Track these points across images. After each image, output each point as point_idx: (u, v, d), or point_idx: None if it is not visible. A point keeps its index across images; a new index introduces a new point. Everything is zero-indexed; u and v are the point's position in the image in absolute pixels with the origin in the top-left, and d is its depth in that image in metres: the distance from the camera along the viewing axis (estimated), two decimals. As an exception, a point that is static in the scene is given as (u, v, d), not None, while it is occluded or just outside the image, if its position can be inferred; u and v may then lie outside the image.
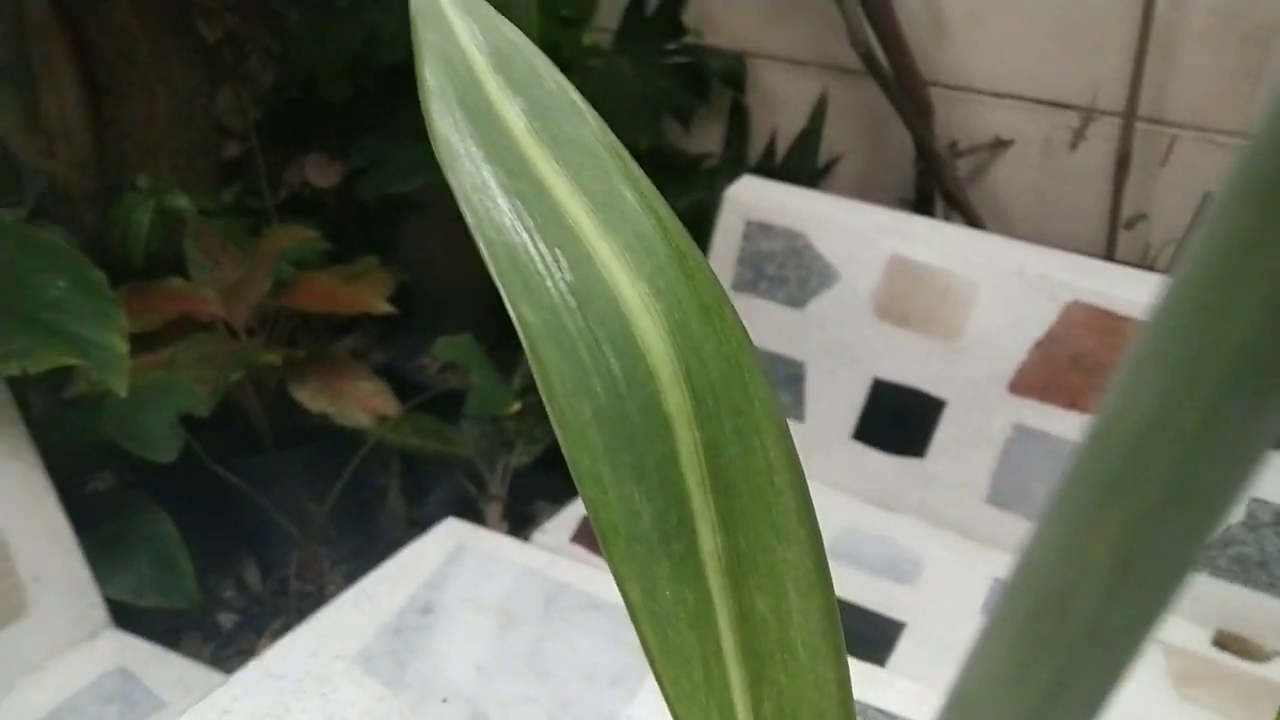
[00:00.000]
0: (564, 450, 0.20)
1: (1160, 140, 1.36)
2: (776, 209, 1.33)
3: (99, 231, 1.70)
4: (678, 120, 1.63)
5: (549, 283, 0.21)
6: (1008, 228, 1.51)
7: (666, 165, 1.60)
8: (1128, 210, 1.38)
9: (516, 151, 0.23)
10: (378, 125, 1.73)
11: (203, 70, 1.74)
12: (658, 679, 0.20)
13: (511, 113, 0.24)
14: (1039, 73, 1.43)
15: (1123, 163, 1.35)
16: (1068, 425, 1.19)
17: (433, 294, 2.07)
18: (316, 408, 1.40)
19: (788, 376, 1.36)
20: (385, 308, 1.42)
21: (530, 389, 1.42)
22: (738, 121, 1.63)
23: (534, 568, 0.79)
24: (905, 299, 1.27)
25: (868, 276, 1.28)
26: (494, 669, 0.66)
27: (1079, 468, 0.12)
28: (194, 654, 1.17)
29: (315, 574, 1.50)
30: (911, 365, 1.26)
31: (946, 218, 1.47)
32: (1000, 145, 1.47)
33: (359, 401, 1.42)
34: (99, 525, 1.14)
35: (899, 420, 1.27)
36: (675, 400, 0.22)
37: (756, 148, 1.65)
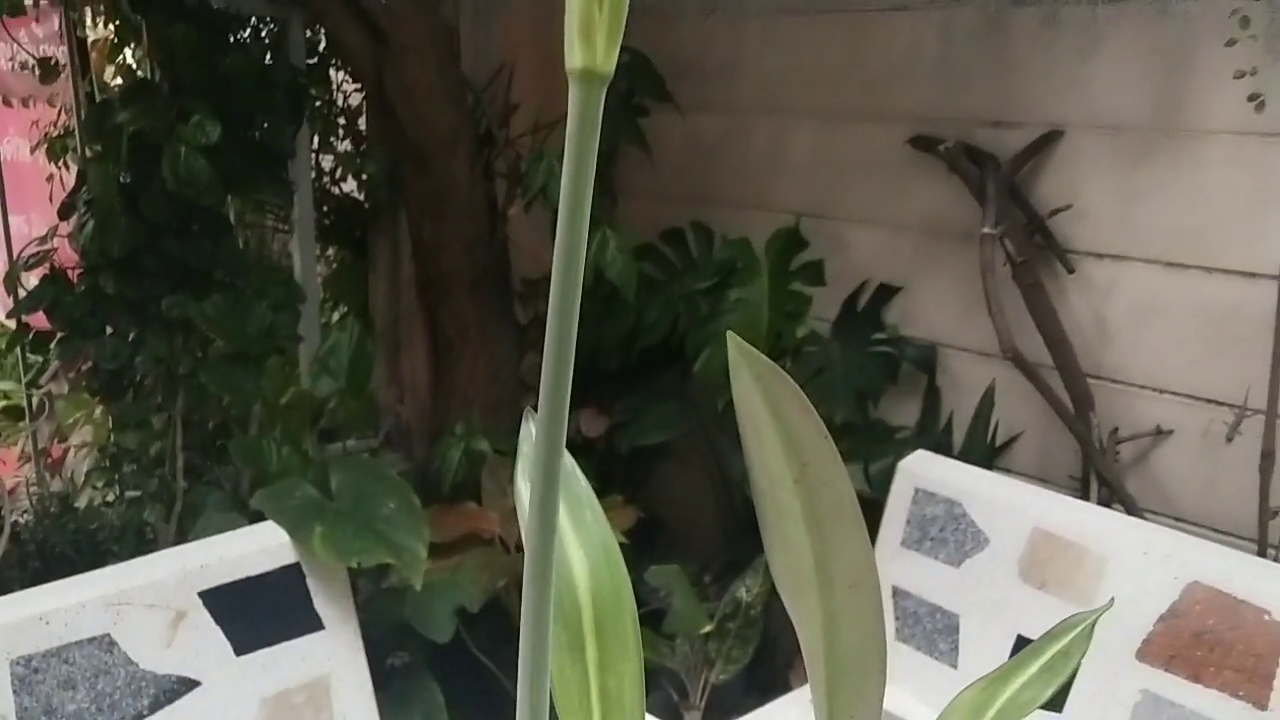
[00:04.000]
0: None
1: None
2: (939, 480, 1.58)
3: (427, 461, 2.22)
4: (868, 399, 1.93)
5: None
6: (1173, 510, 1.66)
7: (866, 433, 1.89)
8: (1275, 501, 1.50)
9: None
10: (637, 390, 2.16)
11: (513, 343, 2.27)
12: (557, 711, 0.51)
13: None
14: (1197, 371, 1.62)
15: (1267, 457, 1.49)
16: (1192, 697, 1.31)
17: (673, 528, 2.43)
18: (561, 614, 1.76)
19: (945, 626, 1.56)
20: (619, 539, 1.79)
21: (728, 616, 1.71)
22: (930, 401, 1.91)
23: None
24: (1045, 565, 1.46)
25: (1014, 543, 1.49)
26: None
27: None
28: (444, 800, 1.51)
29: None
30: (1050, 625, 1.43)
31: (1102, 498, 1.64)
32: (1161, 434, 1.65)
33: (594, 612, 1.77)
34: (390, 685, 1.54)
35: (1038, 675, 1.43)
36: (584, 597, 0.54)
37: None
